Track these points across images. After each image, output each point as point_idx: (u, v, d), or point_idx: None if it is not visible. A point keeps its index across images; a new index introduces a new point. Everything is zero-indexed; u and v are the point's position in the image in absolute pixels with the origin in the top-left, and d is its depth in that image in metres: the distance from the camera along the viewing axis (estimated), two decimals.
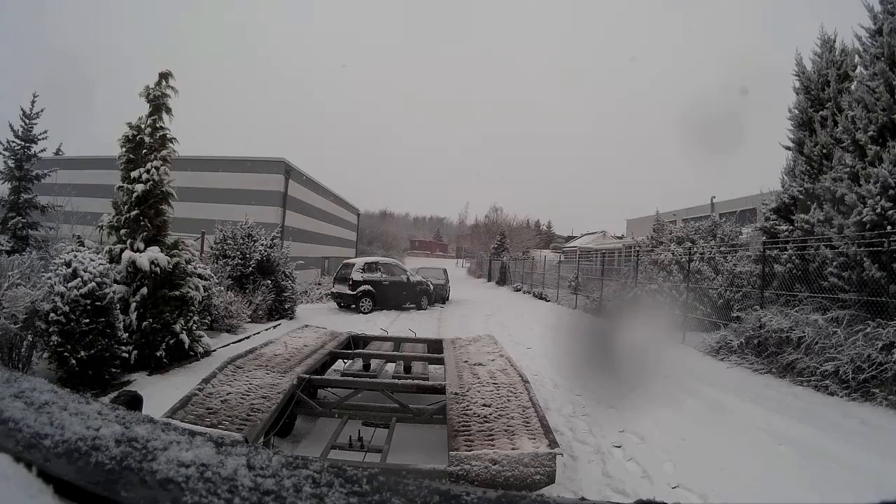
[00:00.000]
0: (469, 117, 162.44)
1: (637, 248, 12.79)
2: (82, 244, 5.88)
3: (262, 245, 10.58)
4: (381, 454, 3.07)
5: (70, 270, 4.77)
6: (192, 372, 5.53)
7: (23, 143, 10.35)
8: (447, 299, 16.79)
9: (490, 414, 3.18)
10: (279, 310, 10.53)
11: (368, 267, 13.69)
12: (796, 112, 8.97)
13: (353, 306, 13.07)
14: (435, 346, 6.01)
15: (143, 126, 6.24)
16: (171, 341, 5.80)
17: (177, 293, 6.03)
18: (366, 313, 12.61)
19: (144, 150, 6.23)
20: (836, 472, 3.56)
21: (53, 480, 0.50)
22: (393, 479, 0.51)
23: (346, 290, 13.24)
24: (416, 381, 4.33)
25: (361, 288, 13.10)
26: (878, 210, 5.70)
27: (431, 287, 14.88)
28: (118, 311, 5.20)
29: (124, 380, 5.18)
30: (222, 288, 8.60)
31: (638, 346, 4.90)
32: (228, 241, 10.40)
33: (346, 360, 5.45)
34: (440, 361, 5.08)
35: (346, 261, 14.88)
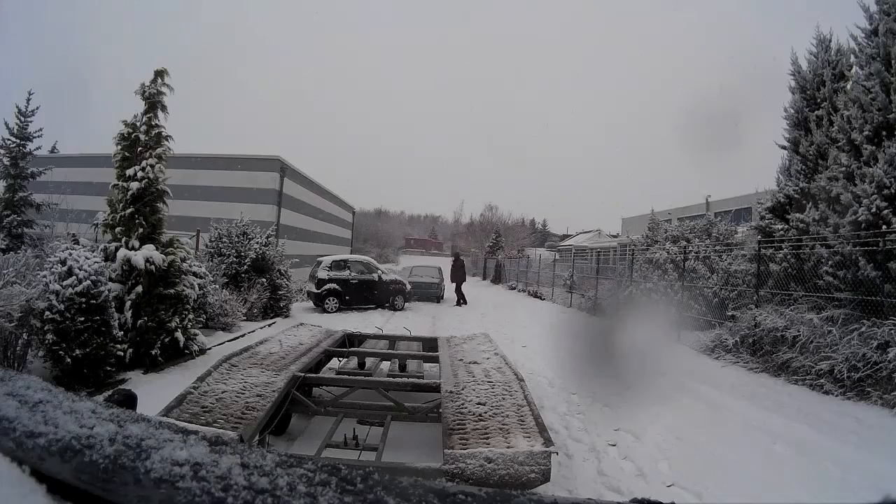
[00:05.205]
0: (466, 116, 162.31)
1: (632, 247, 12.81)
2: (77, 242, 5.84)
3: (257, 243, 10.55)
4: (375, 453, 3.06)
5: (65, 268, 4.75)
6: (186, 370, 5.51)
7: (18, 141, 10.26)
8: (442, 298, 16.72)
9: (485, 412, 3.17)
10: (274, 308, 10.51)
11: (336, 265, 13.11)
12: (792, 111, 9.00)
13: (320, 305, 12.54)
14: (430, 344, 6.00)
15: (138, 124, 6.21)
16: (166, 339, 5.78)
17: (172, 291, 6.00)
18: (331, 313, 12.13)
19: (140, 148, 6.19)
20: (831, 470, 3.58)
21: (46, 479, 0.50)
22: (388, 478, 0.50)
23: (313, 288, 12.77)
24: (411, 380, 4.32)
25: (326, 286, 12.53)
26: (874, 209, 5.73)
27: (407, 287, 14.05)
28: (113, 309, 5.19)
29: (119, 378, 5.16)
30: (217, 286, 8.57)
31: (633, 344, 4.91)
32: (224, 240, 10.36)
33: (340, 359, 5.43)
34: (435, 360, 5.08)
35: (318, 258, 14.17)
